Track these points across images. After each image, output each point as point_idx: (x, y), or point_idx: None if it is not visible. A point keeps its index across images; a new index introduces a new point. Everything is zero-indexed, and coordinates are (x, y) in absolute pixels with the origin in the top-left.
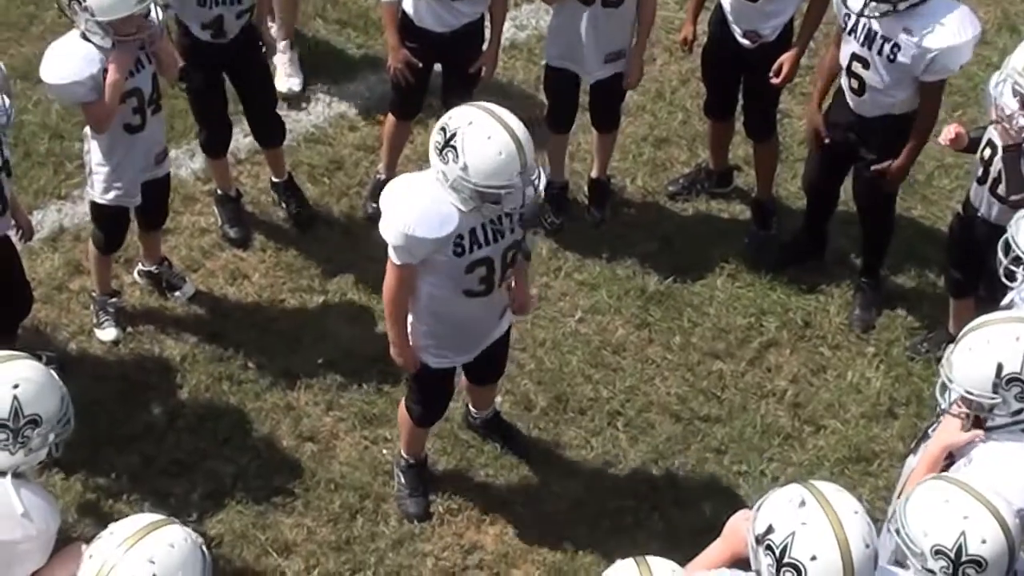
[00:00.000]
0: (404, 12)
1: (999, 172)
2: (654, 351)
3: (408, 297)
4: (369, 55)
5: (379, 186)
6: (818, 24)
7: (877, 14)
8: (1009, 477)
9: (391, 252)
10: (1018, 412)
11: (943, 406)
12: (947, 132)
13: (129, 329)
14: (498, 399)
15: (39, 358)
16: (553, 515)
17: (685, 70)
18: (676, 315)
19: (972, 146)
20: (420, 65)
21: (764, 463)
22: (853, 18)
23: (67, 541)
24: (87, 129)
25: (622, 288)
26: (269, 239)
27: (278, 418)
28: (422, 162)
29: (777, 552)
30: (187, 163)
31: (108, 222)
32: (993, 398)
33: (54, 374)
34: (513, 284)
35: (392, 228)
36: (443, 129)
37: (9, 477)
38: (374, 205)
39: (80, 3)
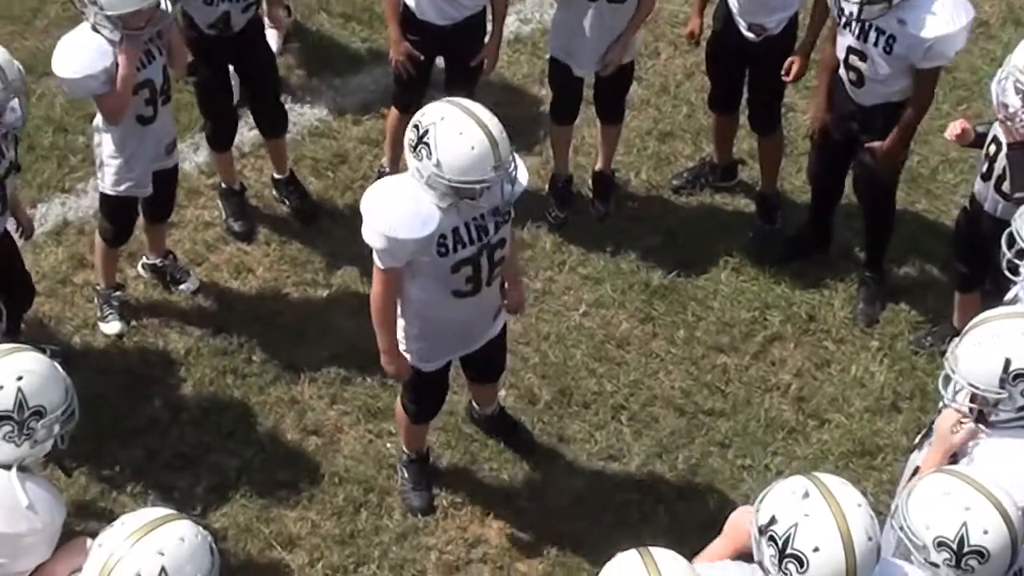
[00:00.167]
0: (406, 5)
1: (1003, 169)
2: (658, 345)
3: (395, 302)
4: (373, 49)
5: (383, 178)
6: (825, 18)
7: (875, 14)
8: (1013, 473)
9: (375, 257)
10: (1023, 408)
11: (946, 398)
12: (953, 128)
13: (133, 323)
14: (502, 393)
15: (43, 351)
16: (557, 509)
17: (690, 64)
18: (680, 309)
19: (978, 141)
20: (422, 58)
21: (768, 457)
22: (847, 12)
23: (71, 534)
24: (97, 121)
25: (626, 282)
26: (273, 233)
27: (282, 412)
28: None
29: (780, 543)
30: (191, 157)
31: (118, 214)
32: (999, 393)
33: (58, 366)
34: (507, 284)
35: (373, 232)
36: (416, 126)
37: (15, 470)
38: None
39: None
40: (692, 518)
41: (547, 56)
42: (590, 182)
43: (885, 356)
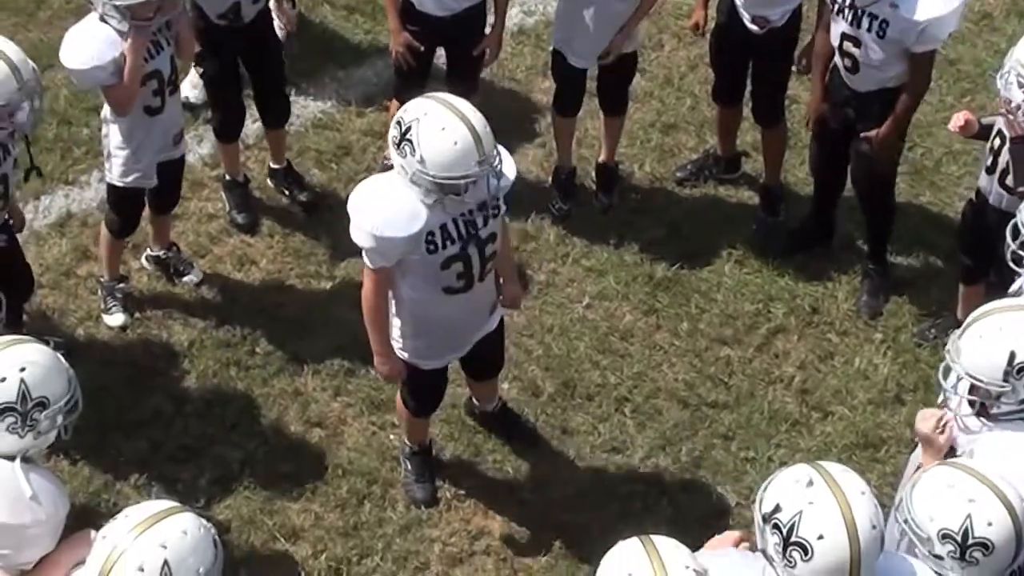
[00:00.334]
0: None
1: (1007, 162)
2: (662, 337)
3: (386, 302)
4: (376, 41)
5: (387, 171)
6: None
7: (868, 0)
8: (1017, 466)
9: (364, 257)
10: None
11: (946, 389)
12: (956, 119)
13: (137, 315)
14: (505, 385)
15: (47, 343)
16: (560, 501)
17: (693, 56)
18: (684, 301)
19: (982, 132)
20: (421, 49)
21: (772, 449)
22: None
23: (75, 527)
24: (105, 112)
25: (630, 274)
26: (277, 225)
27: (286, 404)
28: None
29: (784, 531)
30: (195, 148)
31: (126, 205)
32: (1003, 386)
33: (60, 357)
34: (501, 279)
35: (361, 232)
36: (399, 123)
37: (18, 461)
38: None
39: None
40: (695, 510)
41: (550, 48)
42: (593, 174)
43: (889, 348)
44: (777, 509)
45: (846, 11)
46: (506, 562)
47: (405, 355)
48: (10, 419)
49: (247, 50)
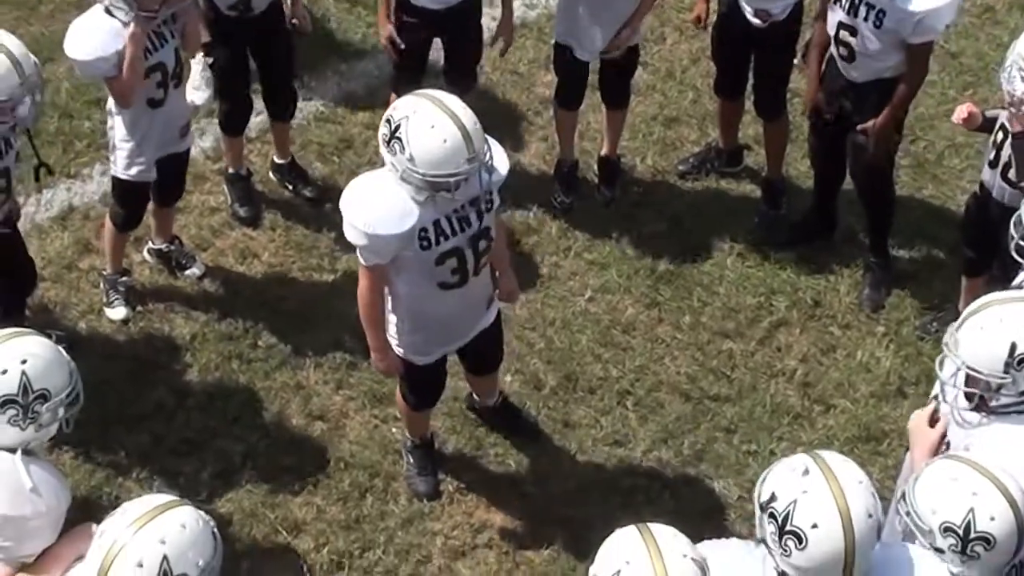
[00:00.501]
0: None
1: (1010, 156)
2: (664, 330)
3: (382, 299)
4: (379, 34)
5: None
6: None
7: None
8: (1017, 459)
9: (358, 255)
10: None
11: (943, 381)
12: (960, 111)
13: (139, 308)
14: (507, 378)
15: (49, 336)
16: (563, 494)
17: (695, 49)
18: (686, 294)
19: (985, 125)
20: (402, 46)
21: (774, 442)
22: None
23: (77, 520)
24: (110, 105)
25: (632, 267)
26: (279, 218)
27: (288, 397)
28: None
29: (779, 520)
30: (197, 142)
31: (130, 198)
32: (1003, 378)
33: (61, 350)
34: (497, 273)
35: (353, 229)
36: (388, 120)
37: (19, 453)
38: None
39: None
40: (697, 503)
41: (552, 41)
42: (596, 167)
43: (891, 341)
44: (773, 498)
45: (843, 0)
46: (508, 555)
47: (402, 351)
48: (11, 411)
49: (257, 42)
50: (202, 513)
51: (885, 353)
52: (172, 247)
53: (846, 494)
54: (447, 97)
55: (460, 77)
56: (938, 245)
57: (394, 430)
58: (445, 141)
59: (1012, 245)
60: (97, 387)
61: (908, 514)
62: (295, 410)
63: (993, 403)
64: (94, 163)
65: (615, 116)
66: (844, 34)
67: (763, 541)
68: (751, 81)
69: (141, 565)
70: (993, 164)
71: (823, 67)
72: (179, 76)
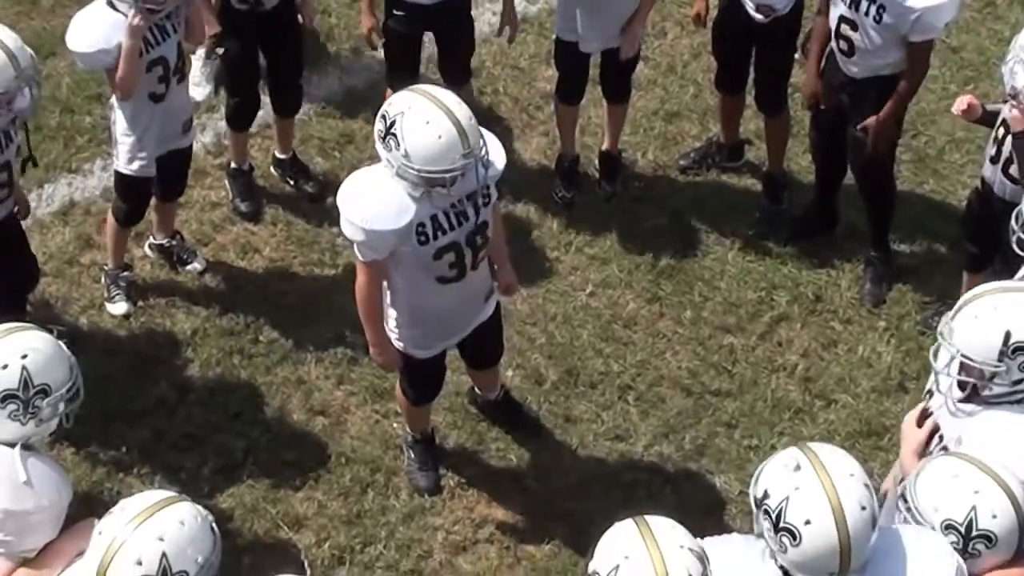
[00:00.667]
0: None
1: (1011, 152)
2: (665, 325)
3: (380, 294)
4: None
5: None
6: None
7: None
8: (1010, 449)
9: (355, 250)
10: (1019, 381)
11: (938, 371)
12: (960, 103)
13: (140, 303)
14: (508, 373)
15: (50, 332)
16: (564, 489)
17: (696, 44)
18: (687, 289)
19: (985, 117)
20: (381, 41)
21: (775, 437)
22: None
23: (77, 515)
24: (113, 99)
25: (633, 262)
26: (280, 213)
27: (289, 392)
28: None
29: (773, 516)
30: (198, 137)
31: (132, 193)
32: (997, 366)
33: (62, 345)
34: (496, 267)
35: (351, 225)
36: (383, 116)
37: (18, 448)
38: None
39: None
40: (698, 498)
41: (553, 36)
42: (597, 162)
43: (892, 336)
44: (766, 495)
45: None
46: (509, 550)
47: (401, 345)
48: (12, 406)
49: (267, 37)
50: (200, 509)
51: (886, 348)
52: (173, 242)
53: (837, 488)
54: (442, 92)
55: (455, 72)
56: (939, 240)
57: (395, 425)
58: (440, 137)
59: (1013, 239)
60: (98, 382)
61: (909, 510)
62: (296, 405)
63: (985, 392)
64: (95, 158)
65: (616, 111)
66: (845, 28)
67: (761, 535)
68: (752, 76)
69: (140, 563)
70: (994, 160)
71: (823, 62)
72: (181, 71)
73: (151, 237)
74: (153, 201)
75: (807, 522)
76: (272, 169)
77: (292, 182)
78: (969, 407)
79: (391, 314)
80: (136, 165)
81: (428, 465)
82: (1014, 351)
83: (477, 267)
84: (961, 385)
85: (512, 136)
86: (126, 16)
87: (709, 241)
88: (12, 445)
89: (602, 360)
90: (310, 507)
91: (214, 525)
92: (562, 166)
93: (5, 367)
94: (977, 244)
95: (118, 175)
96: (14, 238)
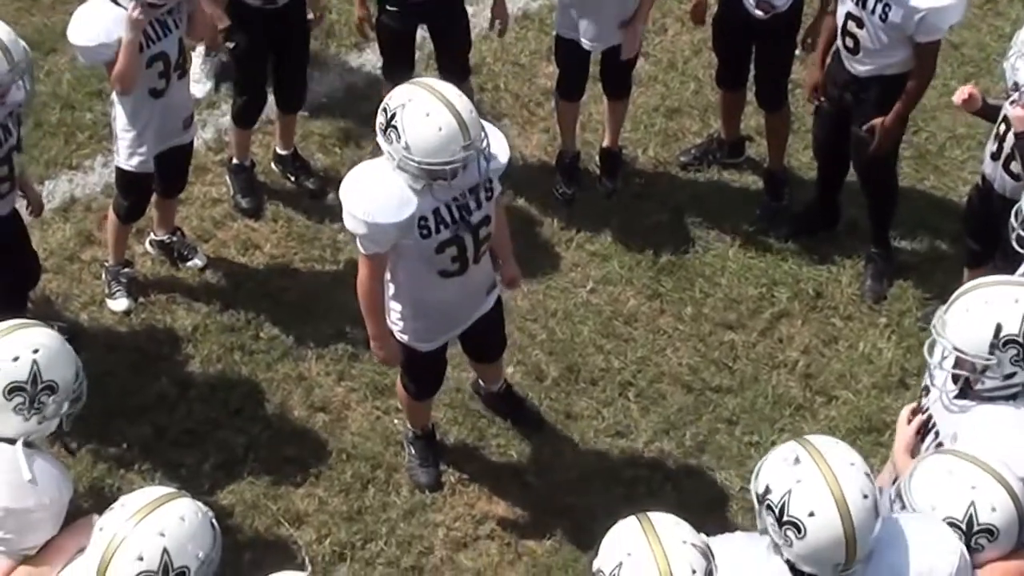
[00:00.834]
0: None
1: (1012, 149)
2: (666, 322)
3: (382, 288)
4: None
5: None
6: None
7: None
8: (1005, 443)
9: (358, 244)
10: (1010, 375)
11: (932, 364)
12: (961, 92)
13: (141, 299)
14: (509, 369)
15: (51, 328)
16: (564, 485)
17: (697, 40)
18: (688, 286)
19: (985, 110)
20: (372, 32)
21: (776, 434)
22: None
23: (78, 512)
24: (114, 95)
25: (634, 259)
26: (281, 209)
27: (290, 388)
28: None
29: (776, 511)
30: (199, 133)
31: (133, 189)
32: (988, 359)
33: (70, 347)
34: (500, 260)
35: (352, 219)
36: (384, 109)
37: (20, 444)
38: None
39: None
40: (699, 494)
41: (554, 33)
42: (597, 159)
43: (893, 333)
44: (768, 490)
45: None
46: (510, 546)
47: (405, 338)
48: (18, 399)
49: (276, 33)
50: (201, 504)
51: (887, 344)
52: (174, 238)
53: (839, 478)
54: (443, 85)
55: (452, 69)
56: (940, 236)
57: (396, 421)
58: (440, 129)
59: (1013, 236)
60: (99, 379)
61: (905, 510)
62: (297, 401)
63: (978, 387)
64: (96, 155)
65: (617, 107)
66: (851, 25)
67: (765, 531)
68: (753, 72)
69: (141, 558)
70: (995, 156)
71: (829, 59)
72: (182, 67)
73: (152, 233)
74: (154, 197)
75: (811, 514)
76: (273, 165)
77: (293, 178)
78: (963, 402)
79: (394, 308)
80: (136, 161)
81: (429, 461)
82: (1005, 344)
83: (479, 261)
84: (954, 379)
85: (513, 132)
86: (127, 10)
87: (710, 237)
88: (12, 441)
89: (603, 356)
90: (311, 503)
91: (214, 521)
92: (563, 162)
93: (16, 359)
94: (977, 240)
95: (118, 171)
96: (16, 235)
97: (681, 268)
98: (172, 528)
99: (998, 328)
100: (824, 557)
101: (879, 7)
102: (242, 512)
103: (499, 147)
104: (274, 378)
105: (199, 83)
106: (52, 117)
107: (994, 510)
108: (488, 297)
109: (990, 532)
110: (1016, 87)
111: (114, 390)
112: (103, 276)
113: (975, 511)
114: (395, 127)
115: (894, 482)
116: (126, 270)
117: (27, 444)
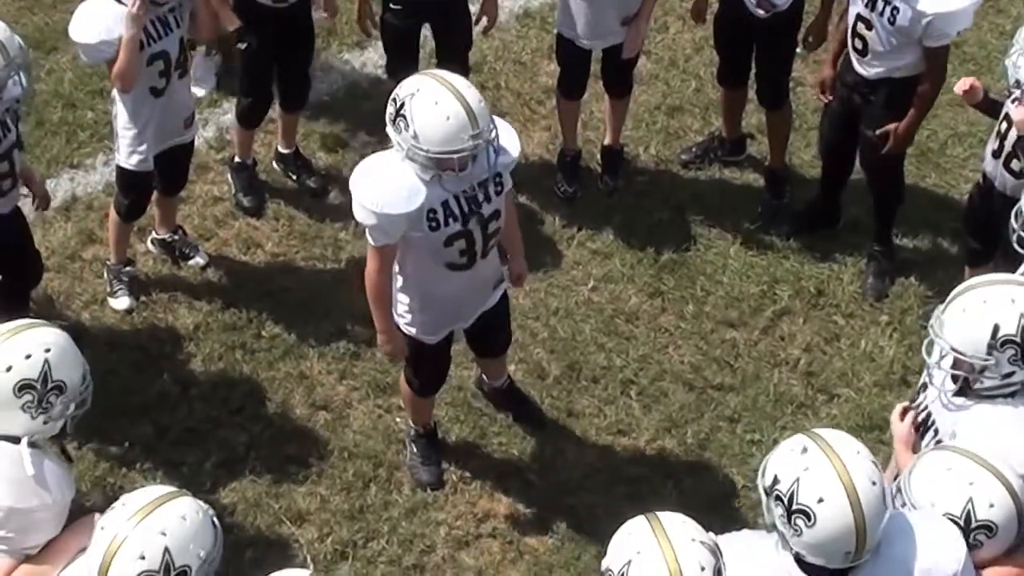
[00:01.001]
0: None
1: (1013, 147)
2: (667, 320)
3: (390, 280)
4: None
5: None
6: None
7: None
8: (1004, 441)
9: (367, 234)
10: (1009, 375)
11: (930, 364)
12: (963, 83)
13: (142, 298)
14: (511, 367)
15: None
16: (566, 484)
17: (698, 38)
18: (689, 283)
19: (985, 104)
20: (374, 30)
21: (777, 432)
22: None
23: (80, 510)
24: (115, 93)
25: (635, 257)
26: (282, 208)
27: (291, 387)
28: None
29: (785, 500)
30: (200, 132)
31: (134, 187)
32: (986, 360)
33: (78, 349)
34: (509, 255)
35: (362, 209)
36: (394, 99)
37: (24, 443)
38: None
39: None
40: (701, 492)
41: (555, 31)
42: (599, 157)
43: (894, 330)
44: (776, 481)
45: None
46: (512, 544)
47: (412, 331)
48: (27, 397)
49: (284, 33)
50: (202, 503)
51: (888, 342)
52: (175, 237)
53: (847, 465)
54: (453, 76)
55: (453, 67)
56: (941, 234)
57: (397, 420)
58: (448, 118)
59: (1014, 238)
60: (101, 377)
61: (904, 506)
62: (298, 400)
63: (977, 386)
64: (97, 153)
65: (618, 105)
66: (860, 27)
67: (774, 527)
68: (754, 70)
69: (143, 557)
70: (996, 154)
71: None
72: (183, 66)
73: (153, 232)
74: (155, 196)
75: (820, 500)
76: (275, 164)
77: (295, 177)
78: (961, 400)
79: (401, 300)
80: (136, 160)
81: (431, 459)
82: (1003, 344)
83: (487, 255)
84: (953, 378)
85: (514, 130)
86: (128, 7)
87: (711, 235)
88: (16, 440)
89: (604, 355)
90: (312, 502)
91: (216, 520)
92: (564, 161)
93: (28, 356)
94: (978, 239)
95: (119, 170)
96: (18, 233)
97: (682, 266)
98: (173, 527)
99: (996, 329)
100: (834, 545)
101: (887, 10)
102: (244, 511)
103: (510, 142)
104: (276, 376)
105: (200, 82)
106: (54, 116)
107: (992, 506)
108: (495, 292)
109: (988, 528)
110: (1018, 85)
111: (116, 389)
112: (105, 275)
113: (973, 507)
114: (404, 116)
115: (895, 478)
116: (128, 269)
117: (31, 444)
